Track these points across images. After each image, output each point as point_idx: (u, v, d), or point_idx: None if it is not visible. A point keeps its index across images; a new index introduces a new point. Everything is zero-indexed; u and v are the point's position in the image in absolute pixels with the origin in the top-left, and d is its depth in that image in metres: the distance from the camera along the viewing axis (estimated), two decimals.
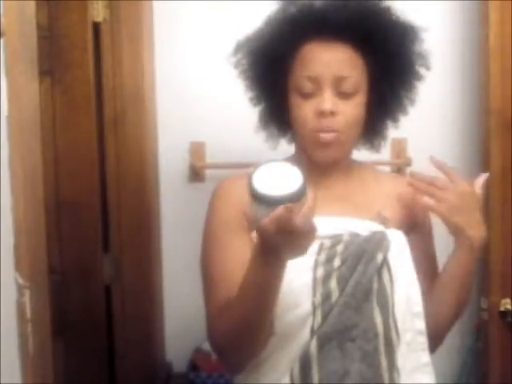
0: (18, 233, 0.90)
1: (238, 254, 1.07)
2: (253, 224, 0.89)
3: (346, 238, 1.06)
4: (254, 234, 0.91)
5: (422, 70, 1.15)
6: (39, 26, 1.05)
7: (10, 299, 0.88)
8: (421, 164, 1.84)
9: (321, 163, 1.11)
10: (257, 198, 0.77)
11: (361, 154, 1.23)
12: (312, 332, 1.01)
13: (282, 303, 0.98)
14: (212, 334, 1.07)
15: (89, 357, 1.66)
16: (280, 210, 0.79)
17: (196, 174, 1.88)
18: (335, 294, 1.02)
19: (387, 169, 1.83)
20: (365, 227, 1.09)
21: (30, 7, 0.96)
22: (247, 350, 1.03)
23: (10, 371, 0.88)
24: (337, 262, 1.04)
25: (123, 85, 1.68)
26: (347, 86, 1.07)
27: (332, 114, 1.06)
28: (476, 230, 1.10)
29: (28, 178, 0.94)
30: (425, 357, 1.09)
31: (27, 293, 0.91)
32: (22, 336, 0.91)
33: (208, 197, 1.17)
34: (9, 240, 0.88)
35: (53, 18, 1.55)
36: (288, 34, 1.09)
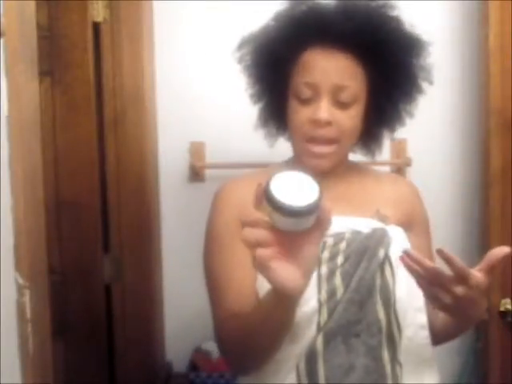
0: (17, 233, 0.90)
1: (243, 256, 1.06)
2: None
3: (348, 235, 1.07)
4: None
5: (424, 84, 1.14)
6: (39, 26, 1.04)
7: (10, 299, 0.88)
8: (421, 164, 1.85)
9: (313, 172, 1.11)
10: (275, 206, 0.77)
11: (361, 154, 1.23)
12: (318, 329, 1.01)
13: None
14: (221, 338, 1.08)
15: (89, 357, 1.66)
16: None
17: (196, 174, 1.88)
18: (340, 291, 1.03)
19: (387, 169, 1.83)
20: (366, 225, 1.09)
21: (30, 7, 0.96)
22: (256, 359, 1.05)
23: (10, 371, 0.88)
24: (340, 260, 1.05)
25: (123, 85, 1.68)
26: (345, 96, 1.06)
27: (327, 123, 1.06)
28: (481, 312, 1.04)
29: (28, 178, 0.94)
30: (427, 351, 1.09)
31: (27, 293, 0.91)
32: (22, 336, 0.91)
33: (208, 197, 1.17)
34: (9, 240, 0.88)
35: (53, 18, 1.55)
36: (292, 37, 1.09)
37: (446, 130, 1.89)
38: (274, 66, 1.11)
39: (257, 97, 1.19)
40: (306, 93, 1.07)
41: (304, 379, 1.01)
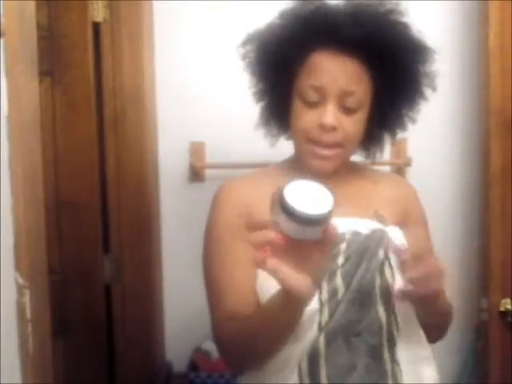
0: (17, 233, 0.90)
1: (242, 257, 1.07)
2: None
3: (348, 236, 1.07)
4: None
5: (427, 91, 1.14)
6: (39, 26, 1.04)
7: (9, 299, 0.88)
8: (421, 164, 1.85)
9: (316, 175, 1.11)
10: (288, 212, 0.77)
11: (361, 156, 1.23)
12: (319, 328, 1.02)
13: None
14: (220, 338, 1.09)
15: (89, 357, 1.66)
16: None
17: (196, 174, 1.88)
18: (341, 291, 1.03)
19: (387, 169, 1.83)
20: (365, 226, 1.09)
21: (30, 7, 0.96)
22: (256, 360, 1.06)
23: (10, 371, 0.88)
24: (341, 260, 1.05)
25: (123, 85, 1.68)
26: (352, 101, 1.06)
27: (333, 128, 1.05)
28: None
29: (28, 178, 0.94)
30: (425, 350, 1.09)
31: (27, 293, 0.91)
32: (22, 336, 0.91)
33: (208, 197, 1.17)
34: (9, 240, 0.88)
35: (53, 18, 1.56)
36: (300, 37, 1.07)
37: (445, 130, 1.89)
38: (280, 66, 1.09)
39: (259, 95, 1.18)
40: (313, 96, 1.06)
41: (306, 379, 1.01)
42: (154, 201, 1.83)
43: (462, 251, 1.90)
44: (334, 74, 1.05)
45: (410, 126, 1.19)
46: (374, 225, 1.11)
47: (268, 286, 1.03)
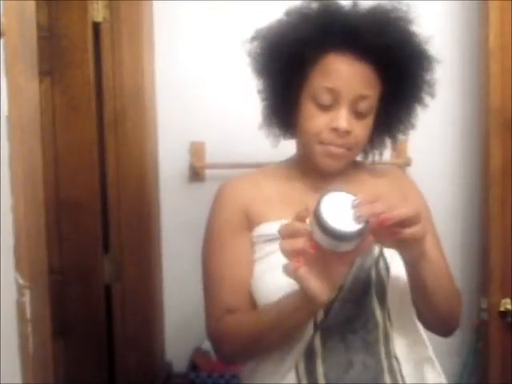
0: (17, 233, 0.90)
1: (241, 255, 1.08)
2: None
3: None
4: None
5: (426, 98, 1.13)
6: (39, 26, 1.04)
7: (10, 299, 0.88)
8: (421, 164, 1.85)
9: (325, 173, 1.10)
10: (322, 226, 0.78)
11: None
12: (315, 327, 1.02)
13: None
14: (213, 336, 1.09)
15: (89, 357, 1.66)
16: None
17: (196, 174, 1.88)
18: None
19: None
20: None
21: (30, 7, 0.96)
22: (250, 357, 1.08)
23: (10, 371, 0.88)
24: None
25: (123, 85, 1.68)
26: (364, 106, 1.05)
27: (347, 132, 1.04)
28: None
29: (28, 178, 0.94)
30: (425, 346, 1.10)
31: (27, 293, 0.91)
32: (22, 336, 0.91)
33: (208, 197, 1.17)
34: (9, 240, 0.88)
35: (53, 18, 1.56)
36: (315, 37, 1.04)
37: (446, 130, 1.89)
38: (292, 65, 1.06)
39: (266, 94, 1.14)
40: (326, 98, 1.04)
41: (303, 378, 1.01)
42: (153, 201, 1.83)
43: (462, 251, 1.90)
44: (350, 77, 1.03)
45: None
46: None
47: (264, 282, 1.05)
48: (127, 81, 1.68)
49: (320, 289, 0.83)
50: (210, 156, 1.87)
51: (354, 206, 0.81)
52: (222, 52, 1.83)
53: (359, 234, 0.79)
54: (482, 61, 1.71)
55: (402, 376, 1.03)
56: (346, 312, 1.02)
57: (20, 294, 0.90)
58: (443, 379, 1.11)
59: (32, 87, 0.97)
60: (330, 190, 0.82)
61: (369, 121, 1.07)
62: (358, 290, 1.03)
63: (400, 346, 1.05)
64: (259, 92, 1.15)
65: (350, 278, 1.02)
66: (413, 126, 1.16)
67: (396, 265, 1.02)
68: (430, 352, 1.10)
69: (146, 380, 1.75)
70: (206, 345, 1.78)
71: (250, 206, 1.10)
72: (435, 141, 1.87)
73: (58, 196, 1.61)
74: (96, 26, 1.63)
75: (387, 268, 1.05)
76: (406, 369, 1.05)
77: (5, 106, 0.87)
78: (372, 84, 1.05)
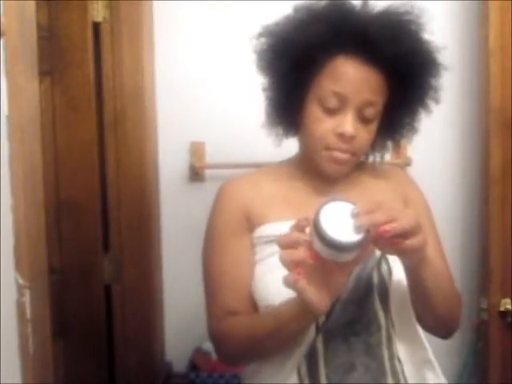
0: (17, 233, 0.90)
1: (242, 256, 1.08)
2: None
3: None
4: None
5: (431, 103, 1.13)
6: (39, 26, 1.04)
7: (10, 299, 0.88)
8: (421, 164, 1.85)
9: (329, 177, 1.10)
10: (322, 237, 0.78)
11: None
12: (317, 329, 1.02)
13: None
14: (215, 333, 1.09)
15: (89, 357, 1.66)
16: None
17: (196, 174, 1.88)
18: None
19: None
20: None
21: (30, 7, 0.96)
22: (251, 360, 1.08)
23: (10, 371, 0.88)
24: None
25: (123, 85, 1.68)
26: (370, 112, 1.03)
27: (352, 138, 1.03)
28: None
29: (28, 178, 0.94)
30: (426, 352, 1.10)
31: (27, 293, 0.91)
32: (22, 336, 0.91)
33: (208, 197, 1.17)
34: (9, 240, 0.88)
35: (53, 18, 1.56)
36: (324, 40, 1.02)
37: (446, 130, 1.89)
38: (298, 66, 1.04)
39: (270, 92, 1.12)
40: (333, 102, 1.03)
41: (305, 380, 1.01)
42: (154, 201, 1.83)
43: (462, 251, 1.90)
44: (358, 82, 1.02)
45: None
46: None
47: (265, 283, 1.04)
48: (127, 81, 1.68)
49: (319, 299, 0.84)
50: (210, 156, 1.87)
51: (354, 216, 0.80)
52: (222, 52, 1.83)
53: (359, 244, 0.79)
54: (482, 61, 1.71)
55: (404, 377, 1.03)
56: (349, 314, 1.02)
57: (20, 293, 0.90)
58: (443, 380, 1.11)
59: (32, 87, 0.97)
60: (329, 200, 0.81)
61: (373, 126, 1.06)
62: (360, 292, 1.03)
63: (401, 348, 1.05)
64: (264, 90, 1.13)
65: (351, 279, 1.02)
66: (416, 131, 1.15)
67: (398, 267, 1.02)
68: (430, 354, 1.10)
69: (146, 380, 1.75)
70: (206, 345, 1.78)
71: (251, 206, 1.10)
72: (435, 141, 1.87)
73: (58, 196, 1.61)
74: (96, 26, 1.63)
75: (389, 270, 1.04)
76: (408, 370, 1.05)
77: (5, 106, 0.87)
78: (379, 90, 1.04)
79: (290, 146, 1.17)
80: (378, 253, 1.04)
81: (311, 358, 1.01)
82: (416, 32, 1.06)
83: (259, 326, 1.00)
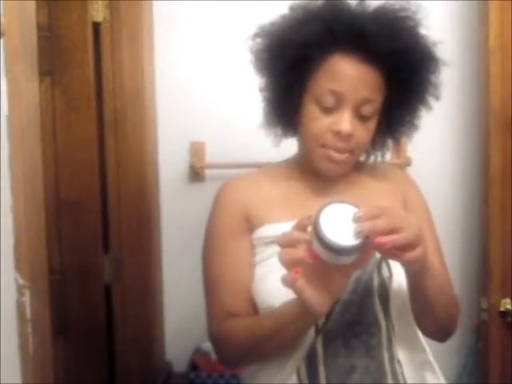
0: (17, 233, 0.90)
1: (242, 257, 1.08)
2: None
3: None
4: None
5: (431, 100, 1.12)
6: (39, 26, 1.04)
7: (10, 299, 0.88)
8: (421, 164, 1.85)
9: (325, 176, 1.10)
10: (321, 240, 0.77)
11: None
12: (317, 330, 1.01)
13: None
14: (215, 335, 1.09)
15: (89, 357, 1.66)
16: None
17: (196, 174, 1.88)
18: None
19: None
20: None
21: (30, 7, 0.96)
22: (251, 362, 1.08)
23: (10, 371, 0.88)
24: None
25: (123, 85, 1.68)
26: (368, 110, 1.03)
27: (349, 136, 1.03)
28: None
29: (28, 178, 0.94)
30: (425, 354, 1.10)
31: (27, 293, 0.91)
32: (22, 336, 0.91)
33: (208, 197, 1.17)
34: (9, 240, 0.88)
35: (53, 18, 1.56)
36: (319, 38, 1.02)
37: (446, 130, 1.89)
38: (295, 65, 1.04)
39: (267, 92, 1.12)
40: (330, 101, 1.02)
41: (305, 381, 1.01)
42: (153, 201, 1.83)
43: (462, 251, 1.90)
44: (355, 80, 1.02)
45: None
46: None
47: (265, 285, 1.04)
48: (127, 81, 1.68)
49: (318, 301, 0.83)
50: (210, 156, 1.87)
51: (355, 220, 0.79)
52: (222, 52, 1.83)
53: (358, 249, 0.78)
54: (482, 61, 1.71)
55: (404, 379, 1.03)
56: (349, 315, 1.02)
57: (20, 293, 0.90)
58: (443, 382, 1.11)
59: (32, 87, 0.97)
60: (331, 202, 0.80)
61: (372, 124, 1.06)
62: (361, 294, 1.02)
63: (400, 350, 1.05)
64: (261, 90, 1.13)
65: (351, 281, 1.02)
66: (416, 128, 1.14)
67: (399, 269, 1.02)
68: (430, 356, 1.10)
69: (146, 380, 1.75)
70: (206, 345, 1.78)
71: (251, 207, 1.10)
72: (435, 141, 1.87)
73: (58, 196, 1.61)
74: (96, 26, 1.63)
75: (390, 272, 1.04)
76: (408, 372, 1.04)
77: (5, 106, 0.87)
78: (377, 87, 1.03)
79: (290, 146, 1.17)
80: (378, 255, 1.04)
81: (311, 359, 1.01)
82: (412, 28, 1.05)
83: (259, 327, 1.00)
